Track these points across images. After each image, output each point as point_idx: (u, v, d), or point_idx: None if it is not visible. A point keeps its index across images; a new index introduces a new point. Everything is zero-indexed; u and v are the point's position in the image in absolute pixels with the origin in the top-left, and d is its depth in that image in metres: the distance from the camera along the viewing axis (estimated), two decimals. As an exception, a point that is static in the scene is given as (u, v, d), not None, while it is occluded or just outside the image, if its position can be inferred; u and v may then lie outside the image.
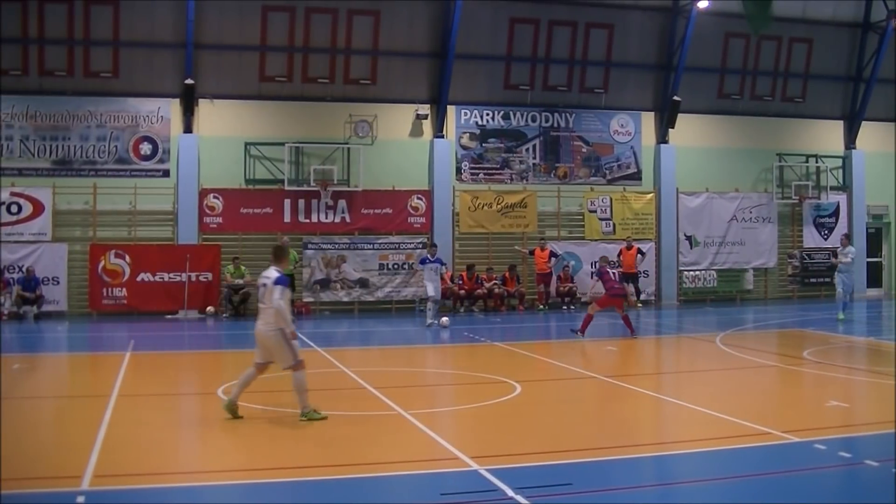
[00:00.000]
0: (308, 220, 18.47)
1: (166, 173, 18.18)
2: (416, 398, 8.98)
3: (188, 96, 17.85)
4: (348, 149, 18.61)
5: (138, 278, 17.68)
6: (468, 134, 19.52)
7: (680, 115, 20.29)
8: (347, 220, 18.62)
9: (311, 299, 18.33)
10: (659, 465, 6.56)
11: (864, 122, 22.22)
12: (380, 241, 18.53)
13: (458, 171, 19.44)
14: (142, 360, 11.96)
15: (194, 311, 17.67)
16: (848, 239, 17.59)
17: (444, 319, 15.20)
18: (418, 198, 19.03)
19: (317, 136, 18.57)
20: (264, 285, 7.63)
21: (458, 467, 6.25)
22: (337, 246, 18.52)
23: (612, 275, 14.57)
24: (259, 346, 7.73)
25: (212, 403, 8.56)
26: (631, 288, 19.25)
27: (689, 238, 20.76)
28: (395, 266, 18.56)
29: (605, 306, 13.89)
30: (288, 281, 7.62)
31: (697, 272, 20.75)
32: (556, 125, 19.98)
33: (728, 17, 19.82)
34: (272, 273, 7.64)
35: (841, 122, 22.38)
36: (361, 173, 18.50)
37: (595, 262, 19.42)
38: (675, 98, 20.11)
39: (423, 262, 16.01)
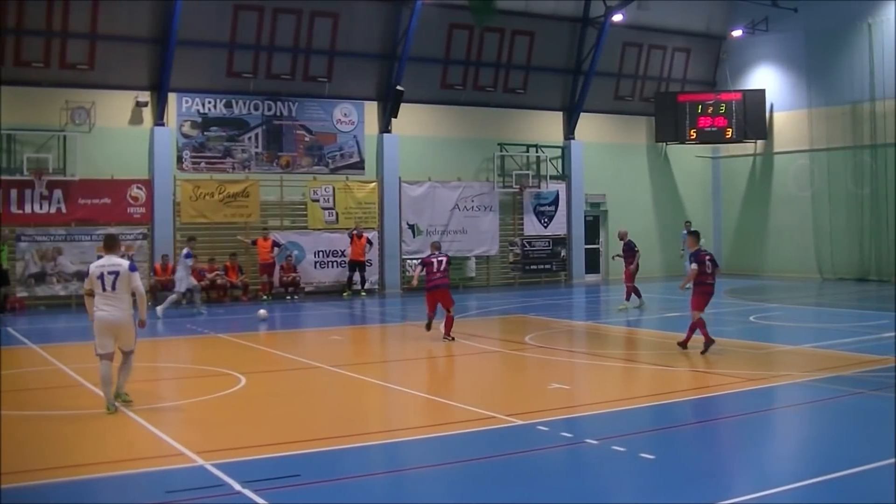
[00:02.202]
0: (21, 212, 27.76)
1: None
2: (138, 394, 12.51)
3: None
4: (64, 136, 28.00)
5: None
6: (189, 122, 29.90)
7: (403, 105, 31.86)
8: (63, 210, 28.19)
9: (24, 294, 28.12)
10: (388, 452, 9.97)
11: (582, 114, 35.70)
12: (98, 233, 28.18)
13: (180, 160, 29.74)
14: None
15: None
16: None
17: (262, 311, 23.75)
18: (138, 187, 29.30)
19: (30, 123, 27.71)
20: (114, 273, 11.87)
21: (184, 463, 9.11)
22: (53, 238, 28.13)
23: (434, 265, 19.11)
24: (108, 334, 11.92)
25: None
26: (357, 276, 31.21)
27: (411, 227, 32.91)
28: (115, 257, 28.97)
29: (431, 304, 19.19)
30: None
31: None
32: (278, 114, 30.99)
33: (452, 9, 31.84)
34: (120, 261, 12.11)
35: (560, 114, 35.77)
36: (79, 162, 28.09)
37: (320, 252, 31.28)
38: (399, 88, 32.04)
39: (188, 256, 25.48)
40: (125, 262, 12.37)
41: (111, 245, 12.62)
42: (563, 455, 9.86)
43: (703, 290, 16.93)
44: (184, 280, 25.33)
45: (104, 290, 12.04)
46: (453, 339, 18.97)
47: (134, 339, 12.48)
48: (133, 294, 12.29)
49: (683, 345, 16.99)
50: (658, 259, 37.95)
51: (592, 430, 10.89)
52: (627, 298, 25.60)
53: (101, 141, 28.86)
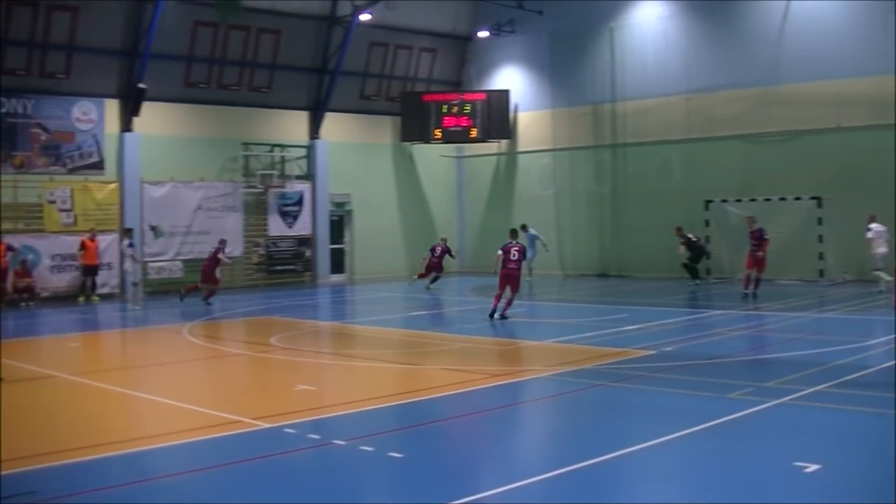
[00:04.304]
0: None
1: None
2: None
3: None
4: None
5: None
6: (-85, 119, 31.61)
7: (145, 103, 34.18)
8: None
9: None
10: (129, 462, 10.58)
11: (327, 113, 39.17)
12: None
13: None
14: None
15: None
16: None
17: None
18: None
19: None
20: None
21: None
22: None
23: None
24: None
25: None
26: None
27: (153, 228, 35.38)
28: None
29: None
30: None
31: (163, 263, 35.64)
32: (12, 111, 32.32)
33: (197, 6, 34.44)
34: None
35: (306, 113, 39.09)
36: None
37: (57, 256, 33.34)
38: (141, 85, 34.32)
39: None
40: None
41: None
42: (310, 457, 10.71)
43: (504, 272, 23.82)
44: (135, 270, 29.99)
45: None
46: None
47: None
48: None
49: (493, 314, 23.65)
50: (403, 258, 41.83)
51: (340, 431, 11.84)
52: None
53: None
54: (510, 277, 23.72)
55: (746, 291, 28.01)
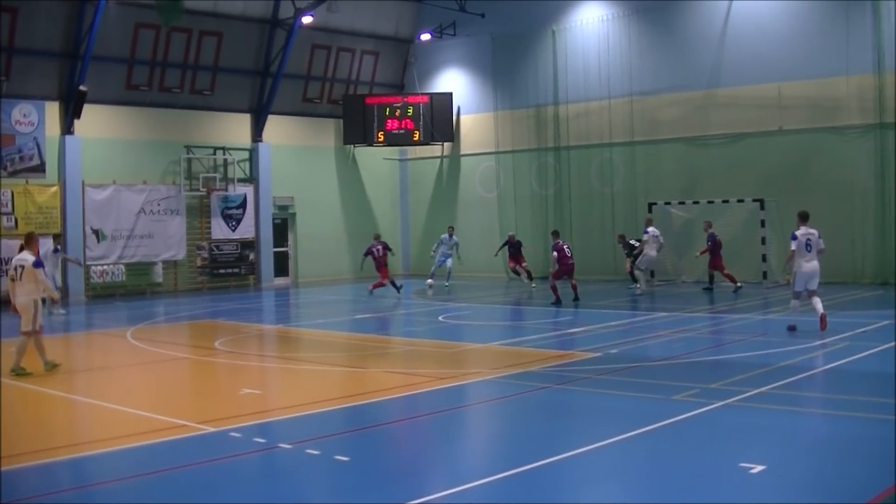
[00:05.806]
0: None
1: None
2: None
3: None
4: None
5: None
6: None
7: (86, 106, 34.36)
8: None
9: None
10: (75, 467, 10.72)
11: (270, 116, 39.56)
12: None
13: None
14: None
15: None
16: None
17: None
18: None
19: None
20: (21, 266, 16.97)
21: None
22: None
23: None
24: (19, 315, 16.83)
25: None
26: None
27: (95, 232, 35.40)
28: None
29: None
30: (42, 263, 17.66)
31: (106, 266, 35.73)
32: None
33: (138, 7, 34.55)
34: (28, 256, 17.04)
35: (248, 115, 39.48)
36: None
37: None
38: (82, 88, 34.37)
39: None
40: (31, 258, 17.27)
41: (28, 243, 17.75)
42: (256, 460, 10.93)
43: (562, 267, 28.19)
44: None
45: (13, 279, 17.29)
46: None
47: (28, 321, 17.25)
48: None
49: (557, 302, 27.42)
50: (347, 261, 42.13)
51: (286, 435, 12.06)
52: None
53: None
54: (572, 269, 28.44)
55: (738, 285, 30.15)
